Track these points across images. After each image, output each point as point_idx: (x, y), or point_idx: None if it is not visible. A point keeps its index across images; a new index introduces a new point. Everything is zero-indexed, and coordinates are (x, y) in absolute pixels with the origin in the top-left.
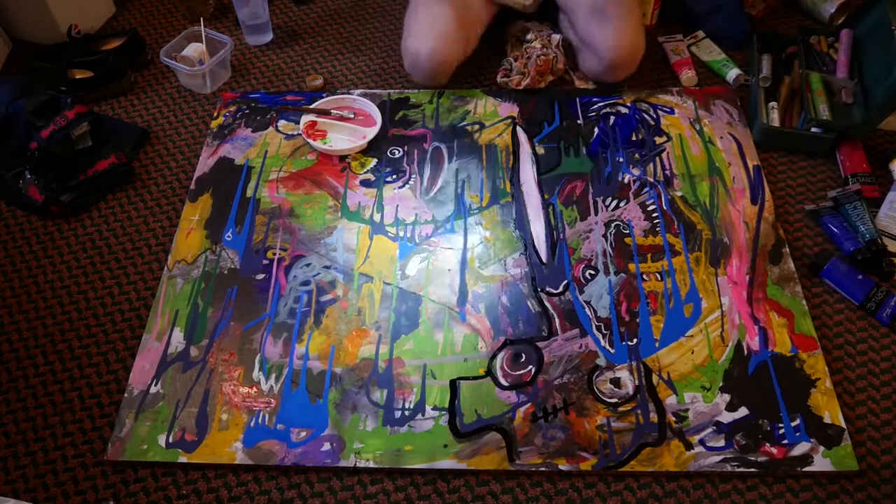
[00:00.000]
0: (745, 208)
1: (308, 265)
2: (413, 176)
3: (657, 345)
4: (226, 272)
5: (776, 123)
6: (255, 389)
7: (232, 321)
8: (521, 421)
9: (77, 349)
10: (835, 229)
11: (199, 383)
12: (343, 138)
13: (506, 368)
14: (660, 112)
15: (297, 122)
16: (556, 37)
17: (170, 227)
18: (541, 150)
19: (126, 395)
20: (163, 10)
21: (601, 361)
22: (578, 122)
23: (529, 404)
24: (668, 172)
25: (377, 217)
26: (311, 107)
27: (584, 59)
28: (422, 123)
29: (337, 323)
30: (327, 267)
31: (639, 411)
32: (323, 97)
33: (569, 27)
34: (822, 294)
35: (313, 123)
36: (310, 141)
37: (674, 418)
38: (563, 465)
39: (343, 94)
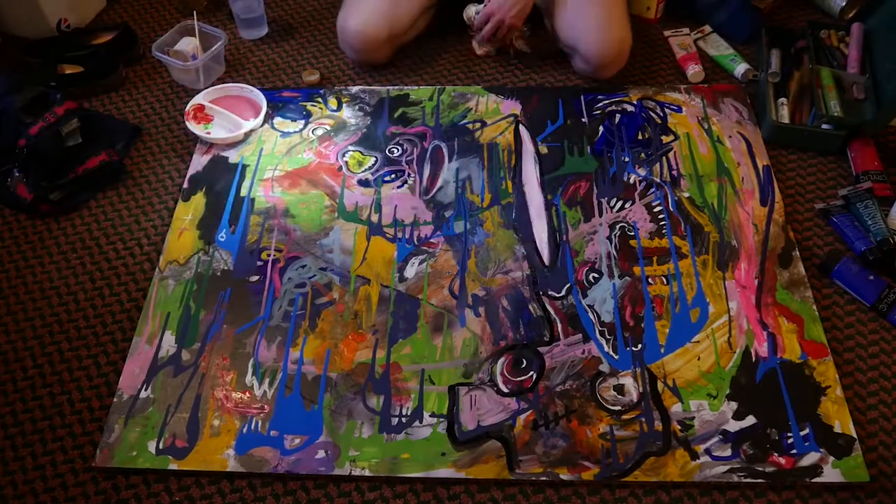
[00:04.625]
0: (754, 210)
1: (303, 267)
2: (412, 175)
3: (662, 351)
4: (219, 274)
5: (786, 120)
6: (247, 395)
7: (225, 324)
8: (521, 428)
9: (67, 352)
10: (845, 229)
11: (191, 388)
12: (226, 127)
13: (506, 374)
14: (667, 110)
15: (293, 119)
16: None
17: (162, 226)
18: (544, 150)
19: (115, 399)
20: (155, 3)
21: (604, 367)
22: (583, 120)
23: (530, 411)
24: (674, 172)
25: (375, 217)
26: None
27: (575, 62)
28: (421, 121)
29: (333, 326)
30: (323, 269)
31: (643, 419)
32: (320, 93)
33: (553, 32)
34: (832, 295)
35: (201, 107)
36: (189, 124)
37: (679, 427)
38: (565, 475)
39: (237, 83)
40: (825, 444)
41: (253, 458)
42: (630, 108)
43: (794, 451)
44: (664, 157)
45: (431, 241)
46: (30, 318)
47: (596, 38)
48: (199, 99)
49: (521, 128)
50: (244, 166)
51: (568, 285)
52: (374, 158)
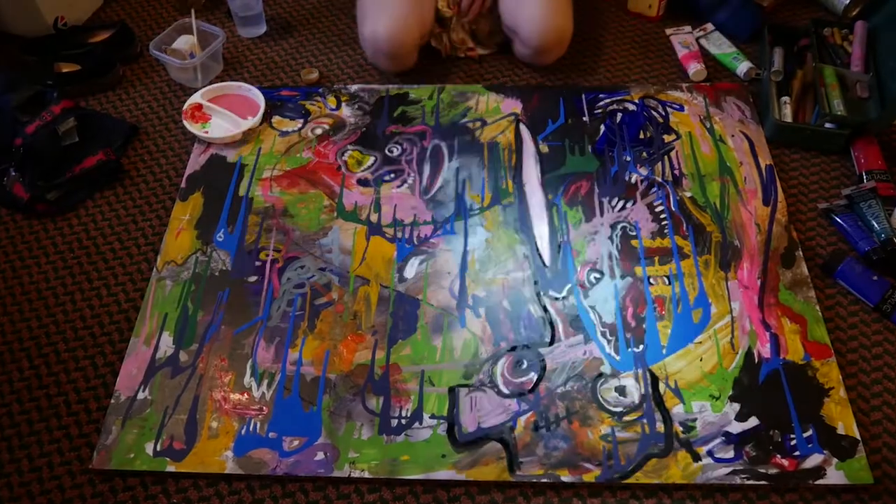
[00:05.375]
0: (756, 210)
1: (302, 267)
2: (412, 175)
3: (664, 351)
4: (217, 274)
5: (789, 119)
6: (246, 396)
7: (223, 325)
8: (522, 430)
9: (63, 352)
10: (849, 229)
11: (189, 389)
12: (224, 126)
13: (507, 375)
14: (669, 109)
15: (292, 118)
16: None
17: (159, 226)
18: (545, 149)
19: (113, 401)
20: (152, 1)
21: (606, 369)
22: (584, 119)
23: (531, 413)
24: (676, 172)
25: (374, 217)
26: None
27: (515, 46)
28: (421, 120)
29: (332, 327)
30: (322, 269)
31: (645, 421)
32: (318, 91)
33: (501, 15)
34: (835, 296)
35: (199, 106)
36: (187, 123)
37: (681, 428)
38: (566, 477)
39: (235, 82)
40: (828, 446)
41: (251, 459)
42: (632, 107)
43: (797, 453)
44: (666, 157)
45: (431, 241)
46: (26, 319)
47: (536, 23)
48: (196, 98)
49: (522, 127)
50: (242, 166)
51: (569, 286)
52: (374, 158)
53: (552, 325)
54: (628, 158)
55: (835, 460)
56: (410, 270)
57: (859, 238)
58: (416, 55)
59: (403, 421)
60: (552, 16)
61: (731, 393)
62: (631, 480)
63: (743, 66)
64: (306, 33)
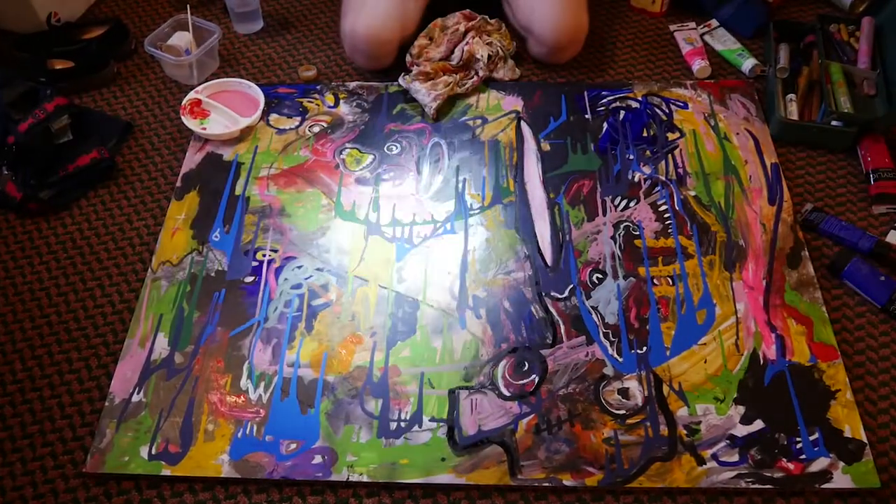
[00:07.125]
0: (762, 209)
1: (300, 267)
2: (411, 173)
3: (668, 353)
4: (213, 274)
5: (794, 116)
6: (242, 398)
7: (219, 326)
8: (523, 433)
9: (57, 354)
10: (839, 232)
11: (184, 392)
12: (222, 123)
13: (508, 377)
14: (673, 106)
15: (289, 116)
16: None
17: (154, 226)
18: (546, 147)
19: (107, 403)
20: None
21: (609, 371)
22: (586, 117)
23: (532, 415)
24: (680, 170)
25: (373, 217)
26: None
27: (530, 45)
28: (421, 118)
29: (330, 328)
30: (320, 269)
31: (648, 424)
32: (316, 88)
33: (511, 14)
34: (842, 296)
35: (198, 101)
36: (185, 118)
37: (685, 431)
38: (568, 481)
39: (238, 78)
40: (835, 449)
41: (248, 463)
42: (635, 105)
43: (803, 457)
44: (670, 155)
45: (431, 240)
46: (19, 321)
47: (551, 21)
48: (196, 93)
49: (523, 124)
50: (239, 164)
51: (571, 286)
52: (373, 156)
53: (554, 326)
54: (631, 157)
55: (841, 464)
56: (409, 271)
57: (857, 237)
58: (396, 54)
59: (403, 424)
60: (567, 12)
61: (735, 395)
62: (634, 484)
63: (748, 63)
64: (304, 30)
